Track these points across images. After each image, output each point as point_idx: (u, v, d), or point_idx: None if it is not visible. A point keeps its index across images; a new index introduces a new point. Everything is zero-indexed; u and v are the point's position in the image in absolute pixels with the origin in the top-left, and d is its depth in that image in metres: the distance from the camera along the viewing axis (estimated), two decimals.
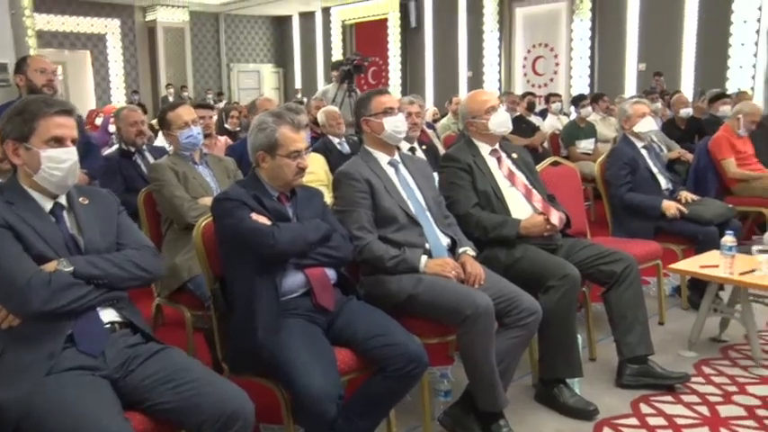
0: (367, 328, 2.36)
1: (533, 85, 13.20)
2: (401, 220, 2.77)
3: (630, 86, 11.77)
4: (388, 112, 2.89)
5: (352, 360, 2.32)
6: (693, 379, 3.09)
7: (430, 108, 9.03)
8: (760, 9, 10.01)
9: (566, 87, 12.49)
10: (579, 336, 3.00)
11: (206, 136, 4.36)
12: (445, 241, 2.84)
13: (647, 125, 4.20)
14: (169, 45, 16.44)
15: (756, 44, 10.10)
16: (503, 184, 3.21)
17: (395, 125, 2.89)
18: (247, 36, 18.93)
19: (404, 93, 15.05)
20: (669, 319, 3.86)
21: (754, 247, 3.22)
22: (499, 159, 3.30)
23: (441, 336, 2.65)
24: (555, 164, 4.08)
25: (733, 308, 3.45)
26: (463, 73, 14.45)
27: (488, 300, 2.53)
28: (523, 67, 13.65)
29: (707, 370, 3.21)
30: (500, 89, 13.45)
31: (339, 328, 2.40)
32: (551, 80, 13.22)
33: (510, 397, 2.69)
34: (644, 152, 4.23)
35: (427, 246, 2.76)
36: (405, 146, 4.16)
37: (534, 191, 3.26)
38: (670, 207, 4.01)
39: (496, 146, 3.31)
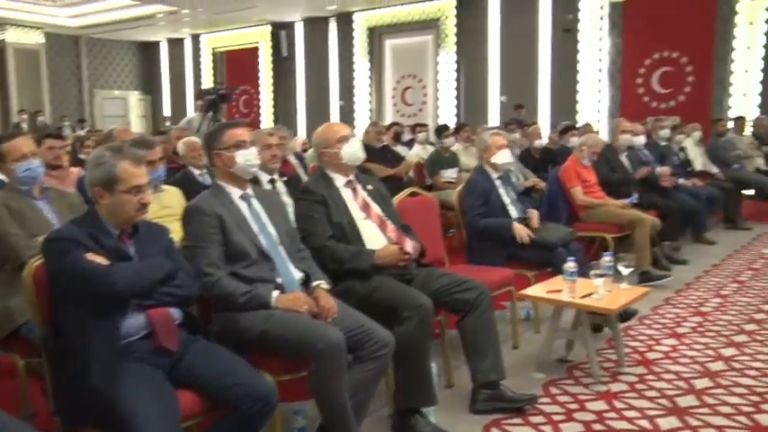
0: (213, 368, 2.29)
1: (403, 115, 13.52)
2: (252, 255, 2.73)
3: (494, 117, 12.29)
4: (240, 145, 2.85)
5: (197, 402, 2.24)
6: (541, 400, 3.21)
7: (299, 138, 9.03)
8: (600, 50, 10.86)
9: (433, 117, 12.86)
10: (435, 364, 3.05)
11: (56, 167, 4.13)
12: (298, 275, 2.82)
13: (504, 157, 4.39)
14: (21, 68, 15.46)
15: (600, 81, 10.94)
16: (357, 215, 3.24)
17: (246, 158, 2.85)
18: (112, 62, 18.21)
19: (276, 122, 15.02)
20: (523, 343, 4.00)
21: (592, 272, 3.43)
22: (354, 191, 3.33)
23: (293, 372, 2.61)
24: (413, 194, 4.18)
25: (576, 329, 3.63)
26: (335, 102, 14.59)
27: (339, 334, 2.52)
28: (393, 97, 13.95)
29: (553, 390, 3.34)
30: (371, 119, 13.70)
31: (184, 370, 2.31)
32: (420, 110, 13.59)
33: (367, 430, 2.68)
34: (498, 183, 4.41)
35: (279, 281, 2.73)
36: (265, 177, 4.13)
37: (388, 222, 3.31)
38: (520, 230, 4.19)
39: (351, 177, 3.34)
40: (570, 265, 3.38)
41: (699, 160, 7.58)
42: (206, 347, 2.40)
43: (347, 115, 14.13)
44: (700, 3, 10.01)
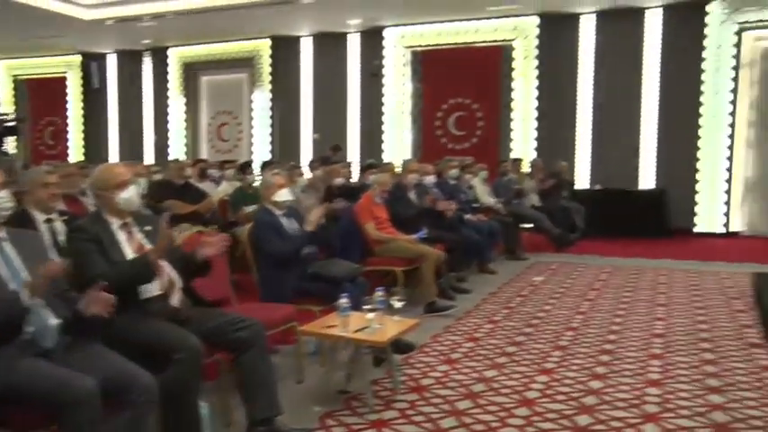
0: None
1: (218, 151, 13.35)
2: None
3: (307, 154, 12.43)
4: None
5: None
6: None
7: None
8: (404, 94, 11.46)
9: (248, 154, 12.79)
10: (206, 404, 3.00)
11: None
12: (54, 322, 2.65)
13: (284, 195, 4.47)
14: None
15: (403, 123, 11.58)
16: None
17: None
18: None
19: (86, 155, 14.20)
20: (308, 377, 4.03)
21: (364, 307, 3.55)
22: (130, 233, 3.21)
23: (42, 427, 2.44)
24: (201, 232, 4.11)
25: (353, 362, 3.74)
26: (148, 137, 14.06)
27: (92, 383, 2.40)
28: (208, 133, 13.71)
29: (329, 422, 3.40)
30: (186, 154, 13.37)
31: None
32: (236, 146, 13.46)
33: None
34: (283, 220, 4.47)
35: (30, 329, 2.56)
36: (41, 217, 3.89)
37: (166, 262, 3.23)
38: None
39: (128, 220, 3.23)
40: (343, 301, 3.48)
41: (485, 197, 8.16)
42: None
43: (161, 150, 13.66)
44: (485, 57, 10.89)
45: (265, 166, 7.83)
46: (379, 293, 3.67)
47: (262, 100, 12.91)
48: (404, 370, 4.10)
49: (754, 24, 9.52)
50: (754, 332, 4.95)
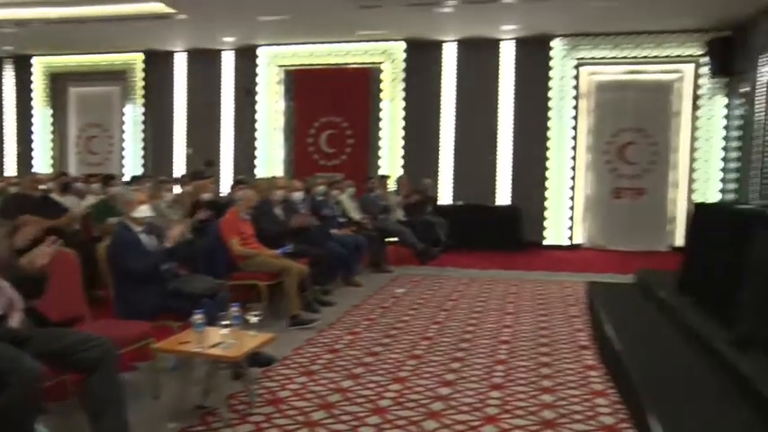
0: None
1: (89, 164, 12.65)
2: None
3: (180, 168, 12.03)
4: None
5: None
6: None
7: None
8: (277, 111, 11.41)
9: (119, 167, 12.22)
10: (45, 428, 2.82)
11: None
12: None
13: (144, 212, 4.30)
14: None
15: (276, 139, 11.50)
16: None
17: None
18: None
19: None
20: (166, 393, 3.88)
21: (219, 323, 3.48)
22: None
23: None
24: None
25: (210, 377, 3.64)
26: (11, 149, 13.08)
27: None
28: (77, 145, 12.96)
29: None
30: (53, 166, 12.57)
31: None
32: (107, 159, 12.81)
33: None
34: (142, 236, 4.30)
35: None
36: None
37: (5, 282, 3.01)
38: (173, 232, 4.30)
39: None
40: (197, 317, 3.39)
41: (353, 212, 8.23)
42: None
43: (25, 163, 12.76)
44: (355, 79, 11.05)
45: (134, 180, 7.51)
46: (233, 309, 3.61)
47: (134, 113, 12.38)
48: (263, 383, 4.05)
49: (588, 60, 10.36)
50: (584, 335, 5.30)
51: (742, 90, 9.17)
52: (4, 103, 13.05)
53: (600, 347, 4.85)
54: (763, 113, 8.25)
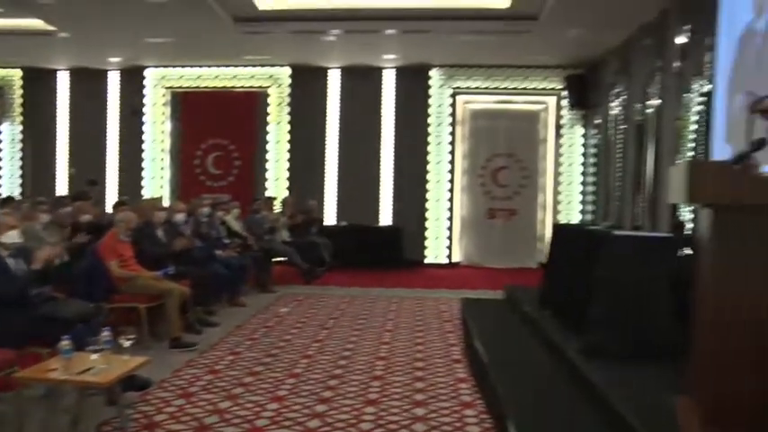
0: None
1: None
2: None
3: (63, 188, 11.36)
4: None
5: None
6: None
7: None
8: (164, 132, 11.04)
9: None
10: None
11: None
12: None
13: (13, 237, 4.04)
14: None
15: (163, 160, 11.11)
16: None
17: None
18: None
19: None
20: (33, 423, 3.58)
21: (88, 348, 3.31)
22: None
23: None
24: None
25: (80, 405, 3.45)
26: None
27: None
28: None
29: None
30: None
31: None
32: None
33: None
34: (9, 260, 4.02)
35: None
36: None
37: None
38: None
39: None
40: (64, 343, 3.21)
41: (238, 233, 8.06)
42: None
43: None
44: (242, 102, 10.92)
45: (5, 202, 7.00)
46: (105, 333, 3.44)
47: (10, 132, 11.57)
48: (139, 407, 3.87)
49: (464, 90, 10.80)
50: (457, 349, 5.45)
51: (596, 121, 9.87)
52: None
53: (470, 361, 5.01)
54: (613, 143, 8.91)
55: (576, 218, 10.45)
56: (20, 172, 11.64)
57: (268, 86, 10.93)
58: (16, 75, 11.54)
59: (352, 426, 3.73)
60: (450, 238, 10.80)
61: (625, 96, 8.34)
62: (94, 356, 3.28)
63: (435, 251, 10.76)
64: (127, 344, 3.52)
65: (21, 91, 11.57)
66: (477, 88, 10.74)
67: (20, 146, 11.61)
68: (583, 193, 10.46)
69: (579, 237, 5.51)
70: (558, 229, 6.62)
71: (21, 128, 11.58)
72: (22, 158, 11.61)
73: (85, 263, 5.47)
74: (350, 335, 5.90)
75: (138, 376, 3.99)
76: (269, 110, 10.91)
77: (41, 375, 3.25)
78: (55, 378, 3.20)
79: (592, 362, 3.87)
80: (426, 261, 10.70)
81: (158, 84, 11.12)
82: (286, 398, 4.15)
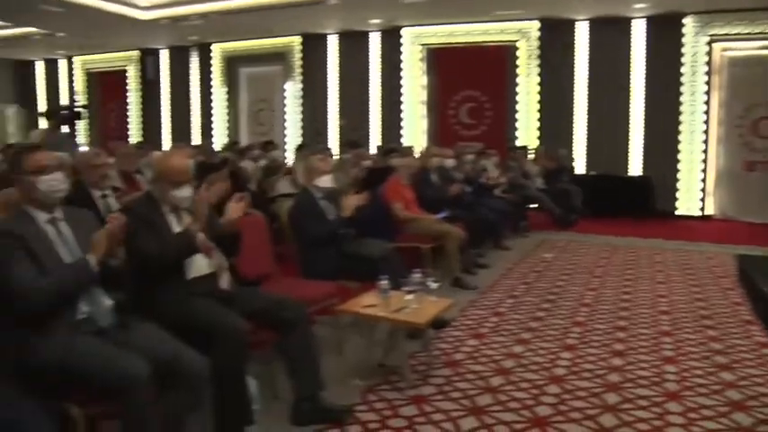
0: None
1: (256, 134, 12.85)
2: None
3: (334, 138, 11.94)
4: (41, 170, 2.23)
5: None
6: (359, 407, 2.87)
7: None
8: (421, 86, 10.87)
9: (282, 136, 12.32)
10: (254, 380, 2.61)
11: None
12: (108, 302, 2.25)
13: (326, 181, 4.03)
14: None
15: (420, 111, 11.00)
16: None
17: (50, 184, 2.24)
18: None
19: (143, 137, 13.79)
20: (348, 349, 3.61)
21: (403, 288, 3.12)
22: (179, 217, 2.75)
23: (101, 404, 2.05)
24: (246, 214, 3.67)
25: (391, 337, 3.32)
26: (196, 122, 13.58)
27: (142, 366, 2.01)
28: (248, 117, 13.22)
29: (370, 397, 3.01)
30: (228, 136, 12.92)
31: None
32: (271, 130, 12.96)
33: None
34: (322, 202, 4.03)
35: (85, 310, 2.15)
36: (97, 194, 3.50)
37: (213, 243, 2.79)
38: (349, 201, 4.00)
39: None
40: (383, 283, 3.06)
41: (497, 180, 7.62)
42: None
43: (206, 132, 13.22)
44: (492, 56, 10.28)
45: (300, 148, 7.37)
46: (416, 276, 3.24)
47: (293, 90, 12.38)
48: (437, 344, 3.69)
49: (721, 37, 8.98)
50: (745, 309, 4.49)
51: None
52: (190, 84, 13.51)
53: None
54: None
55: None
56: (300, 124, 12.44)
57: (517, 40, 10.17)
58: (296, 41, 12.20)
59: (656, 384, 3.16)
60: (703, 190, 9.28)
61: None
62: (409, 297, 3.09)
63: (687, 203, 9.33)
64: (434, 285, 3.31)
65: (300, 54, 12.23)
66: (737, 34, 8.87)
67: (300, 101, 12.37)
68: None
69: None
70: None
71: (301, 86, 12.30)
72: (302, 112, 12.39)
73: (373, 206, 5.47)
74: (622, 285, 5.20)
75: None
76: (518, 62, 10.17)
77: (363, 311, 3.14)
78: (376, 315, 3.07)
79: None
80: (677, 213, 9.35)
81: (414, 42, 10.96)
82: (577, 347, 3.69)
